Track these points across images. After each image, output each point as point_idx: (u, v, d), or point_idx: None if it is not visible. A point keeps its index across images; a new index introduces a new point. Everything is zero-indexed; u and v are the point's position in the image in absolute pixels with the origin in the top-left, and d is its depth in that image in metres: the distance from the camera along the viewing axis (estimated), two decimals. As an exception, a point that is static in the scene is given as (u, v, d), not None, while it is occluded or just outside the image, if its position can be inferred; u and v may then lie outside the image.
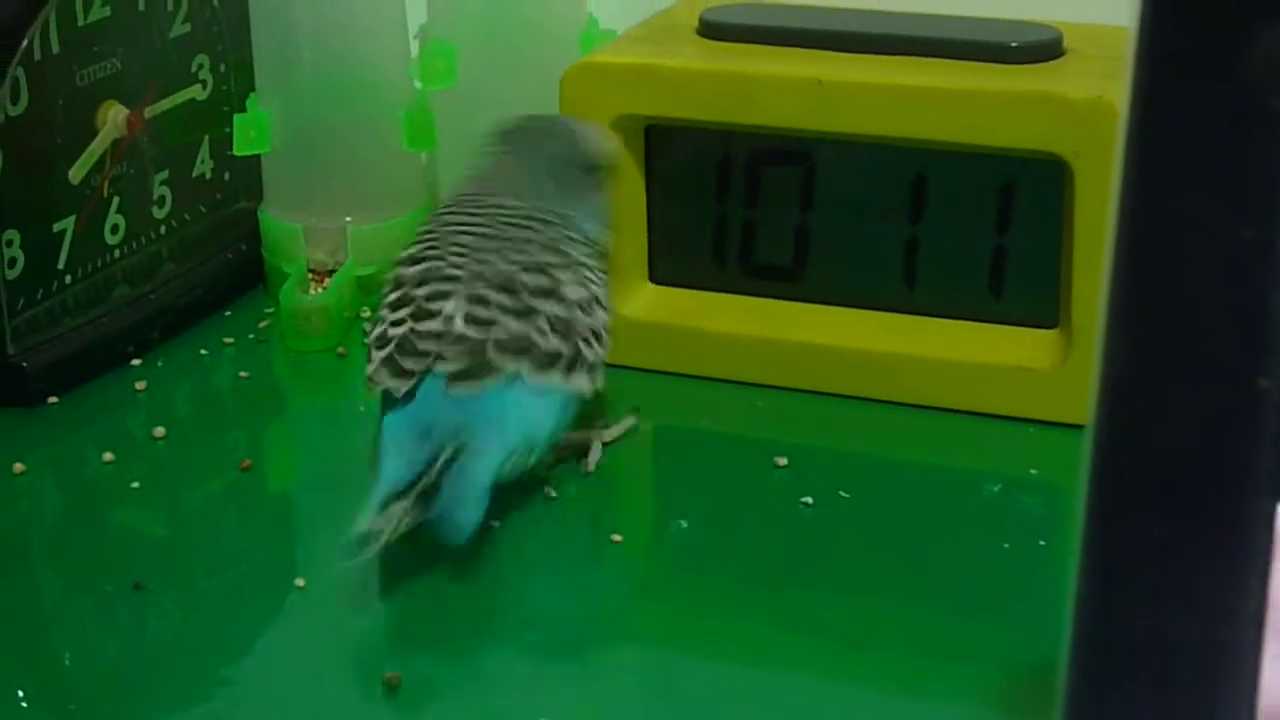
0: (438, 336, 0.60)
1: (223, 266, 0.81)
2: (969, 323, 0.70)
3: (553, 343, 0.61)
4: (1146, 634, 0.35)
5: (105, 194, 0.75)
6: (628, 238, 0.73)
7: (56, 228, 0.72)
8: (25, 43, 0.69)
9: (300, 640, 0.57)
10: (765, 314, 0.72)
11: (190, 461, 0.68)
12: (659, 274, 0.74)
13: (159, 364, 0.75)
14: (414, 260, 0.64)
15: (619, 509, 0.62)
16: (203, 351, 0.76)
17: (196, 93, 0.80)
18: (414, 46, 0.79)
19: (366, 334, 0.64)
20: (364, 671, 0.54)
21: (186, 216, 0.80)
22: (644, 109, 0.70)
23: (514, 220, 0.64)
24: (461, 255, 0.63)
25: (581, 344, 0.62)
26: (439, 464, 0.57)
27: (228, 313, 0.80)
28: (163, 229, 0.79)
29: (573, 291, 0.62)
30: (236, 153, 0.79)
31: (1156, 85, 0.33)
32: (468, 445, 0.58)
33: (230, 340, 0.77)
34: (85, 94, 0.73)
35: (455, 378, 0.59)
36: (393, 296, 0.63)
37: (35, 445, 0.68)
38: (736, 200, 0.72)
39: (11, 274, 0.70)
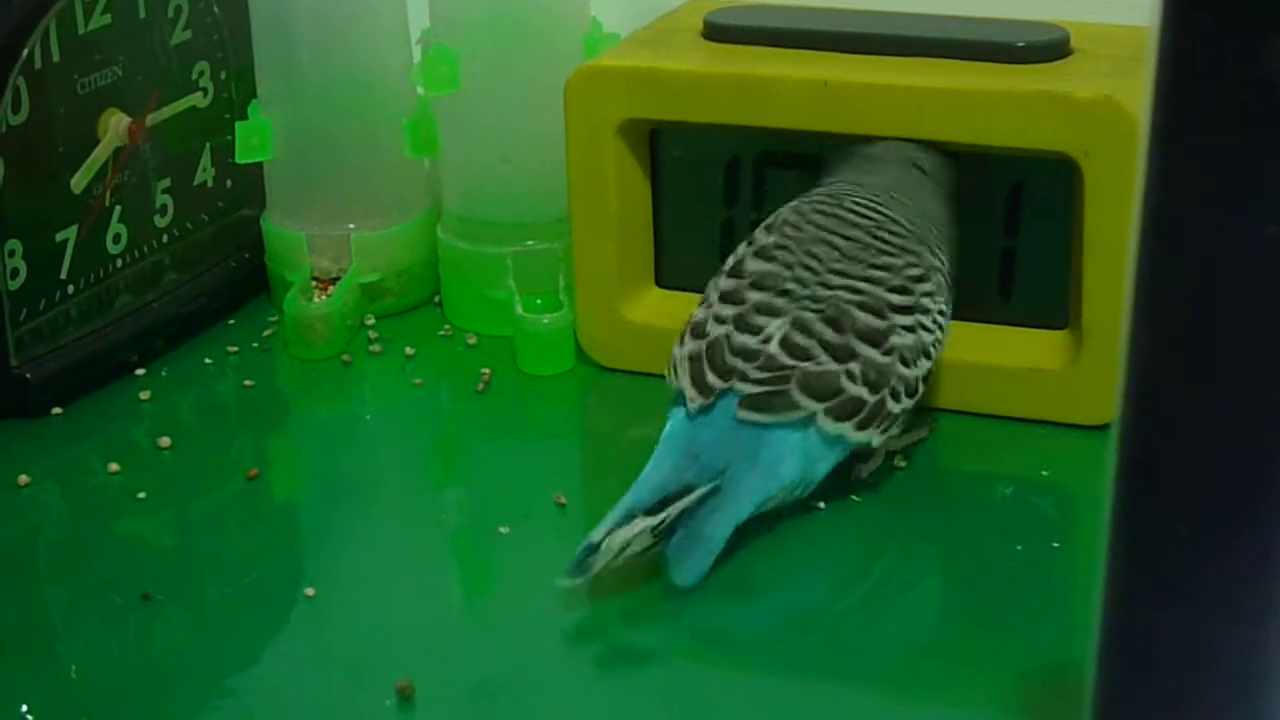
0: (750, 354, 0.60)
1: (226, 275, 0.81)
2: (978, 324, 0.69)
3: (859, 391, 0.59)
4: (1173, 635, 0.35)
5: (107, 203, 0.74)
6: (634, 242, 0.73)
7: (59, 237, 0.72)
8: (26, 52, 0.69)
9: (311, 650, 0.56)
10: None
11: (196, 471, 0.67)
12: (666, 278, 0.74)
13: (163, 373, 0.75)
14: (766, 254, 0.63)
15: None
16: (207, 360, 0.76)
17: (198, 100, 0.79)
18: (416, 52, 0.78)
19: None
20: (376, 680, 0.53)
21: (189, 225, 0.80)
22: (649, 113, 0.70)
23: (885, 240, 0.63)
24: (810, 270, 0.62)
25: (889, 397, 0.60)
26: (692, 498, 0.56)
27: (231, 321, 0.80)
28: (165, 238, 0.78)
29: (901, 339, 0.61)
30: (238, 160, 0.78)
31: (1178, 84, 0.33)
32: (728, 483, 0.57)
33: (234, 349, 0.77)
34: (87, 102, 0.73)
35: (749, 404, 0.59)
36: (730, 284, 0.62)
37: (40, 457, 0.68)
38: (744, 203, 0.72)
39: (14, 284, 0.70)
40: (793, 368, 0.59)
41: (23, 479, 0.66)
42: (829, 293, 0.61)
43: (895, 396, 0.60)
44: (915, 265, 0.63)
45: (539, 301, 0.76)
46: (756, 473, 0.58)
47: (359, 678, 0.54)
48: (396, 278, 0.80)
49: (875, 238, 0.63)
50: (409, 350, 0.76)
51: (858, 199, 0.65)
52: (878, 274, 0.62)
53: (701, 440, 0.58)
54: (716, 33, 0.72)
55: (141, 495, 0.65)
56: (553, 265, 0.76)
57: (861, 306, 0.61)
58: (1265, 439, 0.33)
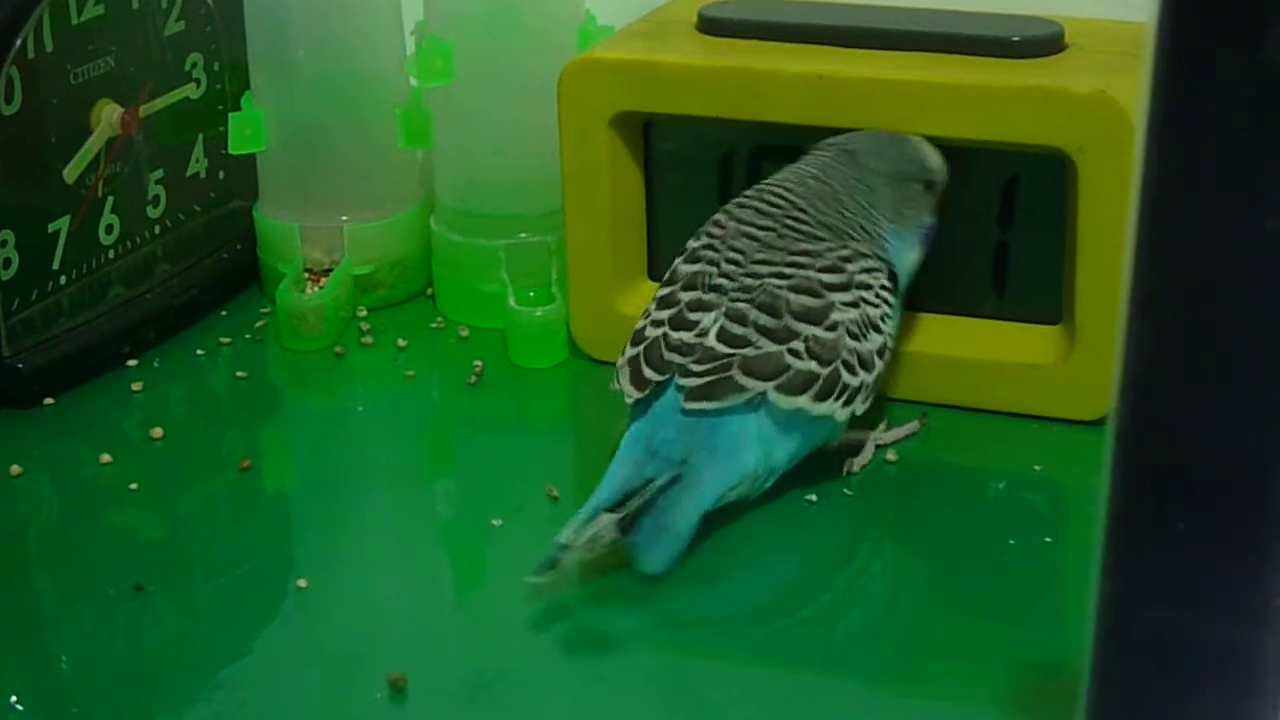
0: (686, 349, 0.60)
1: (218, 266, 0.80)
2: (972, 319, 0.69)
3: (808, 366, 0.60)
4: (1168, 630, 0.35)
5: (100, 193, 0.74)
6: (627, 235, 0.72)
7: (51, 228, 0.72)
8: (19, 41, 0.69)
9: (303, 641, 0.56)
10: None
11: (188, 462, 0.67)
12: (659, 271, 0.74)
13: (155, 365, 0.75)
14: (693, 257, 0.63)
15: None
16: (199, 352, 0.76)
17: (191, 91, 0.79)
18: (410, 44, 0.78)
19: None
20: (368, 672, 0.53)
21: (181, 216, 0.80)
22: (643, 105, 0.70)
23: (804, 229, 0.63)
24: (735, 264, 0.62)
25: (843, 369, 0.61)
26: (653, 489, 0.57)
27: (224, 313, 0.80)
28: (157, 228, 0.78)
29: (843, 314, 0.61)
30: (232, 151, 0.78)
31: (1177, 77, 0.32)
32: (688, 473, 0.57)
33: (227, 340, 0.77)
34: (79, 93, 0.73)
35: (694, 395, 0.59)
36: (664, 291, 0.63)
37: (32, 447, 0.68)
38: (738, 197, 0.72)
39: (6, 275, 0.70)
40: (732, 355, 0.59)
41: (14, 469, 0.66)
42: (757, 282, 0.61)
43: (850, 369, 0.61)
44: (841, 248, 0.63)
45: (532, 294, 0.76)
46: (716, 462, 0.58)
47: (351, 670, 0.54)
48: (389, 270, 0.80)
49: (786, 226, 0.63)
50: (401, 342, 0.76)
51: (774, 188, 0.65)
52: (802, 259, 0.62)
53: (658, 436, 0.59)
54: (711, 26, 0.72)
55: (133, 486, 0.65)
56: (545, 258, 0.76)
57: (794, 289, 0.61)
58: (1262, 434, 0.33)
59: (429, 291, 0.81)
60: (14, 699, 0.53)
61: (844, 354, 0.61)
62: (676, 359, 0.60)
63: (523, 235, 0.76)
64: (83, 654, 0.56)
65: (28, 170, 0.71)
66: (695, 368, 0.59)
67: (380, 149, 0.79)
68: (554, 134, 0.71)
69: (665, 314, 0.62)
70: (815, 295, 0.61)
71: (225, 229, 0.82)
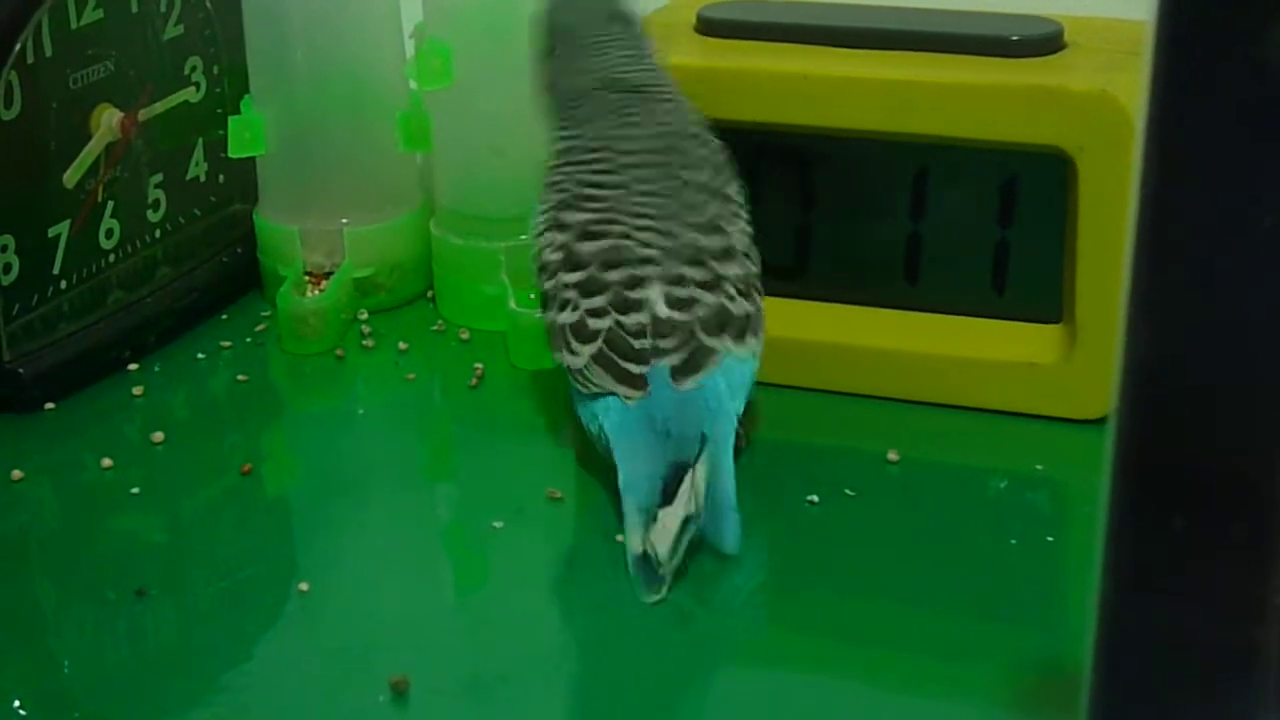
0: (649, 330, 0.60)
1: (219, 270, 0.81)
2: (972, 319, 0.69)
3: (742, 306, 0.61)
4: (1169, 628, 0.35)
5: (100, 198, 0.74)
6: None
7: (51, 232, 0.72)
8: (18, 46, 0.69)
9: (305, 645, 0.56)
10: (767, 313, 0.71)
11: (189, 466, 0.67)
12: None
13: (156, 369, 0.75)
14: (588, 234, 0.62)
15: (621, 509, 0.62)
16: (200, 355, 0.76)
17: (190, 95, 0.79)
18: (409, 47, 0.78)
19: (566, 323, 0.62)
20: (370, 675, 0.53)
21: (181, 220, 0.80)
22: (642, 107, 0.70)
23: (689, 159, 0.64)
24: (648, 229, 0.62)
25: (757, 297, 0.62)
26: (701, 472, 0.57)
27: (224, 316, 0.80)
28: (158, 232, 0.78)
29: (739, 241, 0.62)
30: (231, 155, 0.78)
31: (1176, 75, 0.33)
32: (712, 445, 0.58)
33: (227, 344, 0.77)
34: (79, 97, 0.73)
35: (681, 372, 0.59)
36: (577, 277, 0.62)
37: (33, 452, 0.68)
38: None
39: (7, 279, 0.70)
40: (689, 321, 0.60)
41: (16, 474, 0.66)
42: (678, 242, 0.61)
43: (760, 294, 0.62)
44: (716, 174, 0.64)
45: (532, 296, 0.75)
46: (720, 423, 0.59)
47: (353, 673, 0.54)
48: (390, 273, 0.80)
49: (679, 168, 0.63)
50: (402, 345, 0.76)
51: (624, 147, 0.64)
52: (702, 195, 0.63)
53: (659, 417, 0.59)
54: (710, 27, 0.72)
55: (135, 490, 0.65)
56: (546, 260, 0.76)
57: (704, 230, 0.62)
58: (1262, 432, 0.33)
59: (430, 294, 0.81)
60: (16, 703, 0.53)
61: (755, 283, 0.62)
62: (645, 343, 0.60)
63: (523, 237, 0.76)
64: (84, 658, 0.56)
65: (28, 175, 0.71)
66: (664, 344, 0.60)
67: (380, 152, 0.79)
68: (553, 136, 0.71)
69: (600, 300, 0.61)
70: (720, 232, 0.62)
71: (225, 232, 0.82)
